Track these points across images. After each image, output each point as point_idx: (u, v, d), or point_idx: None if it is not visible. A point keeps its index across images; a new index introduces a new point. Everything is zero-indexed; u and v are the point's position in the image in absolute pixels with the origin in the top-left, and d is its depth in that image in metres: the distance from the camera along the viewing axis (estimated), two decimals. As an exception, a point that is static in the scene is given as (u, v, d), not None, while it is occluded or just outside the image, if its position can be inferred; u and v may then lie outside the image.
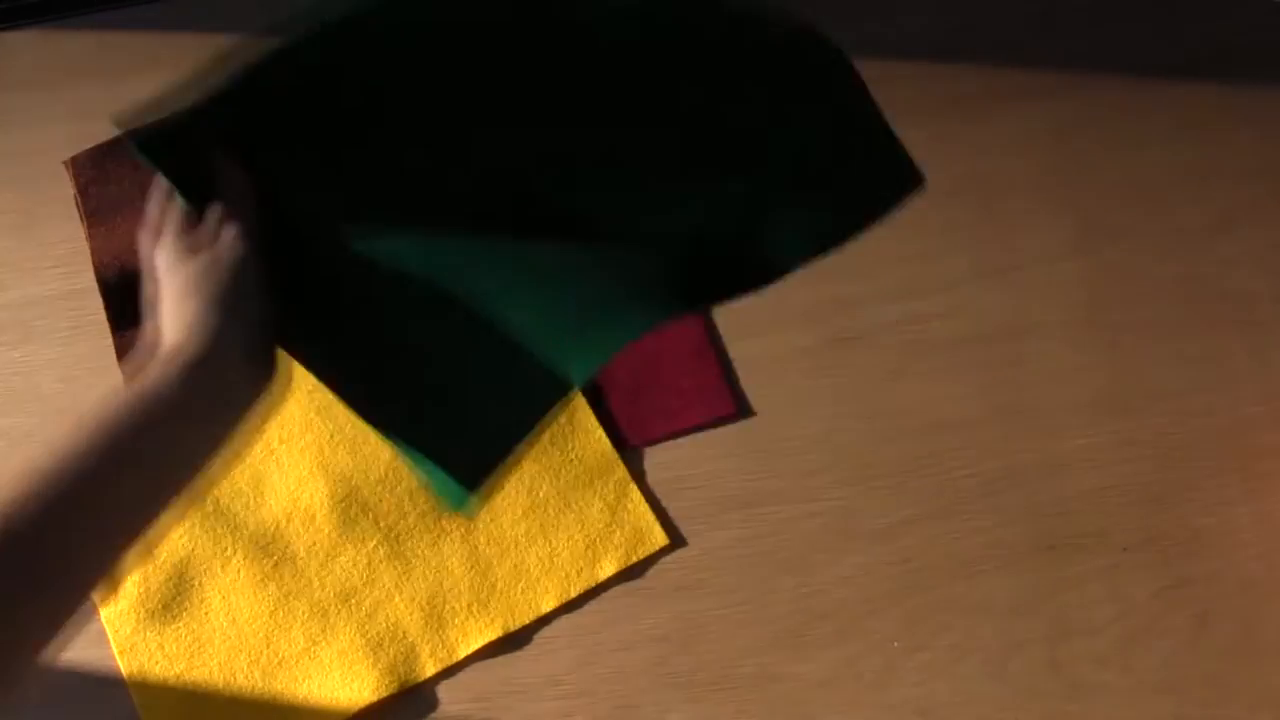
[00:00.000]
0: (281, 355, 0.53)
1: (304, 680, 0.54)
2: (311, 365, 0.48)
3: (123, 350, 0.62)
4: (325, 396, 0.59)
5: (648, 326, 0.48)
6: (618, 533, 0.56)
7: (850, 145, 0.51)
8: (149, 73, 0.68)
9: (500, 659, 0.54)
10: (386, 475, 0.57)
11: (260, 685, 0.54)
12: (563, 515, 0.56)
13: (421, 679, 0.53)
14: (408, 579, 0.55)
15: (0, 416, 0.61)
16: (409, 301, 0.48)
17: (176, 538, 0.56)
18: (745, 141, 0.51)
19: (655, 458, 0.57)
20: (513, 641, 0.54)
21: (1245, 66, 0.63)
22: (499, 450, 0.47)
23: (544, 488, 0.57)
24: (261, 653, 0.54)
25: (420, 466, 0.46)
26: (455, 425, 0.47)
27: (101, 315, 0.63)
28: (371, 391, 0.48)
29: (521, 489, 0.57)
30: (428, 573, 0.55)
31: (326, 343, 0.48)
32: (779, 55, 0.52)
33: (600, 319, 0.48)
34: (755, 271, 0.49)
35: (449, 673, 0.54)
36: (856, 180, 0.52)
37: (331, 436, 0.58)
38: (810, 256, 0.50)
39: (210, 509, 0.57)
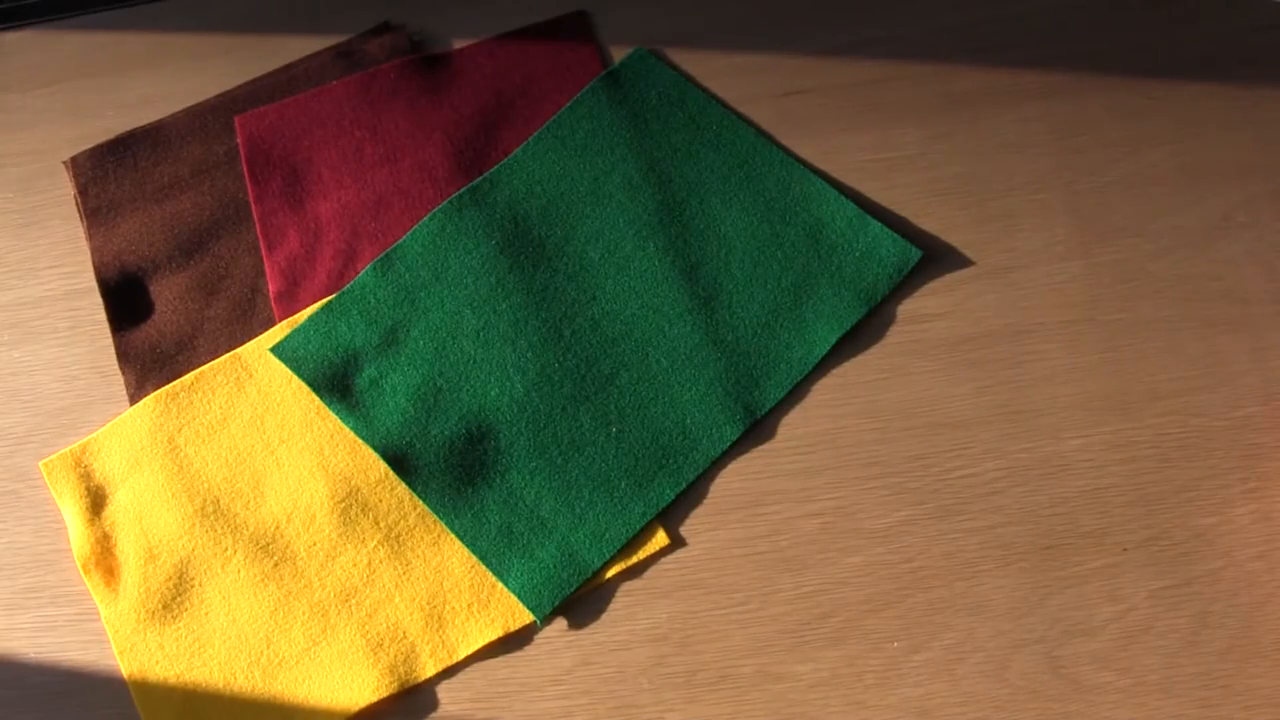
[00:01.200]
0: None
1: (304, 680, 0.54)
2: (414, 478, 0.57)
3: (123, 350, 0.62)
4: (325, 396, 0.59)
5: (718, 450, 0.56)
6: (618, 533, 0.56)
7: (841, 243, 0.60)
8: (149, 73, 0.69)
9: (500, 659, 0.54)
10: (386, 475, 0.57)
11: (260, 685, 0.54)
12: (563, 515, 0.56)
13: (421, 679, 0.53)
14: (408, 579, 0.55)
15: (0, 416, 0.61)
16: (518, 436, 0.57)
17: (176, 538, 0.56)
18: (757, 261, 0.60)
19: (655, 458, 0.57)
20: (513, 641, 0.54)
21: (1245, 66, 0.63)
22: (576, 580, 0.54)
23: (544, 488, 0.57)
24: (261, 653, 0.54)
25: (498, 575, 0.55)
26: (539, 551, 0.55)
27: (101, 315, 0.63)
28: (465, 508, 0.56)
29: (521, 489, 0.57)
30: (428, 573, 0.55)
31: (443, 470, 0.57)
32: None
33: (675, 447, 0.57)
34: (792, 371, 0.58)
35: (449, 673, 0.54)
36: (856, 270, 0.59)
37: (331, 436, 0.58)
38: (832, 343, 0.58)
39: (210, 509, 0.57)
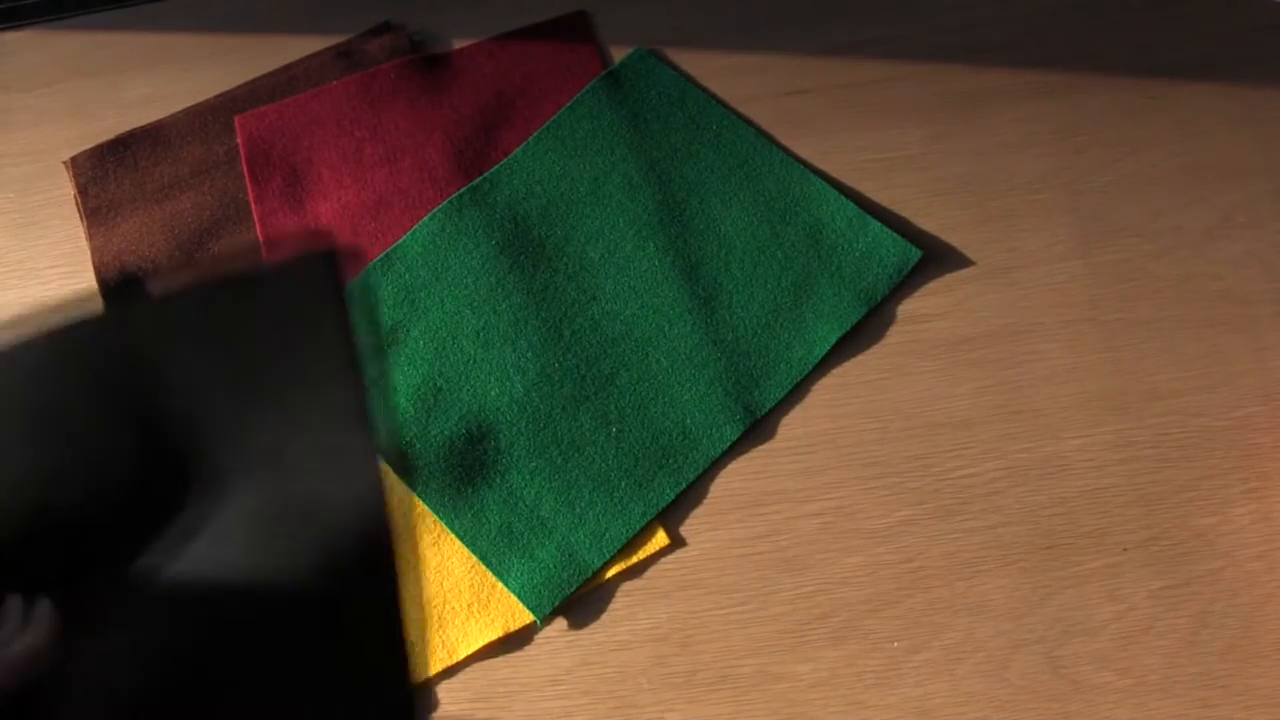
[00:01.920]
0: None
1: (304, 680, 0.53)
2: (410, 478, 0.57)
3: (123, 350, 0.61)
4: (325, 396, 0.59)
5: (718, 450, 0.56)
6: (618, 533, 0.56)
7: (841, 243, 0.60)
8: (149, 73, 0.69)
9: (500, 659, 0.54)
10: (386, 475, 0.57)
11: (260, 685, 0.54)
12: (563, 515, 0.56)
13: (421, 679, 0.53)
14: (408, 579, 0.55)
15: (0, 416, 0.61)
16: (518, 439, 0.57)
17: (176, 538, 0.56)
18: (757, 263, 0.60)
19: (655, 458, 0.57)
20: (513, 641, 0.54)
21: (1245, 66, 0.63)
22: (576, 580, 0.54)
23: (544, 488, 0.57)
24: (261, 653, 0.54)
25: (498, 575, 0.55)
26: (539, 551, 0.55)
27: (101, 315, 0.63)
28: (465, 508, 0.56)
29: (521, 489, 0.57)
30: (428, 573, 0.55)
31: (441, 473, 0.57)
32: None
33: (675, 447, 0.56)
34: (792, 371, 0.58)
35: (449, 673, 0.54)
36: (856, 270, 0.59)
37: (331, 436, 0.58)
38: (832, 343, 0.58)
39: (210, 509, 0.57)
